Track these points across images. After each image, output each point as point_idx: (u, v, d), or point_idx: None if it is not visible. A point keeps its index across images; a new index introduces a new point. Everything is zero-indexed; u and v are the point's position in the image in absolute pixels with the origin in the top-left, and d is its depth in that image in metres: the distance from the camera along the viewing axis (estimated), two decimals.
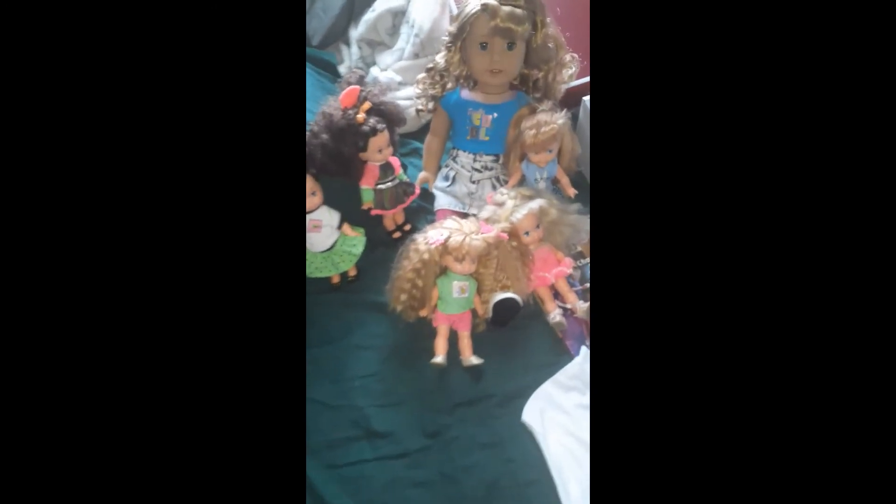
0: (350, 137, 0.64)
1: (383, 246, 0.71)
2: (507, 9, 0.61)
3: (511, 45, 0.63)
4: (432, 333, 0.62)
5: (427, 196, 0.75)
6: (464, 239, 0.59)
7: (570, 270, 0.65)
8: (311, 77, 0.83)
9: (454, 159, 0.72)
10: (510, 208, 0.63)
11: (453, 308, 0.62)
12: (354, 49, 0.88)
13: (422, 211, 0.76)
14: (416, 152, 0.81)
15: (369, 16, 0.86)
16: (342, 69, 0.87)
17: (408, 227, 0.73)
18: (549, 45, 0.66)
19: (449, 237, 0.59)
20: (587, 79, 0.72)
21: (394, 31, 0.87)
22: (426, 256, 0.59)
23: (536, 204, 0.62)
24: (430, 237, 0.60)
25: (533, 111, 0.65)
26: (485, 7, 0.61)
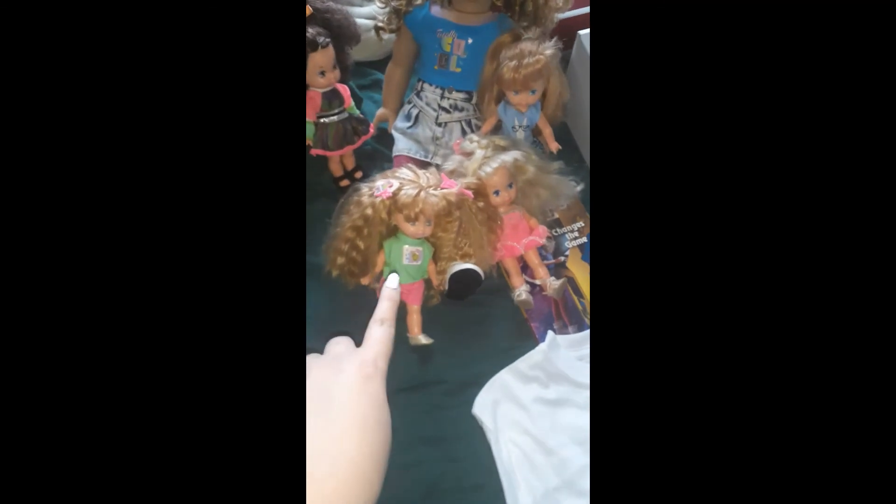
0: None
1: (326, 196, 0.59)
2: None
3: None
4: (376, 303, 0.52)
5: (386, 138, 0.62)
6: (418, 193, 0.47)
7: (543, 241, 0.55)
8: None
9: (418, 94, 0.58)
10: (479, 159, 0.51)
11: (403, 277, 0.51)
12: None
13: (377, 156, 0.63)
14: (377, 84, 0.67)
15: None
16: None
17: (359, 175, 0.60)
18: None
19: (400, 189, 0.47)
20: (584, 9, 0.59)
21: None
22: (369, 212, 0.47)
23: (511, 157, 0.51)
24: (376, 187, 0.48)
25: (516, 38, 0.52)
26: None
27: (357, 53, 0.64)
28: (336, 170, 0.60)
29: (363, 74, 0.69)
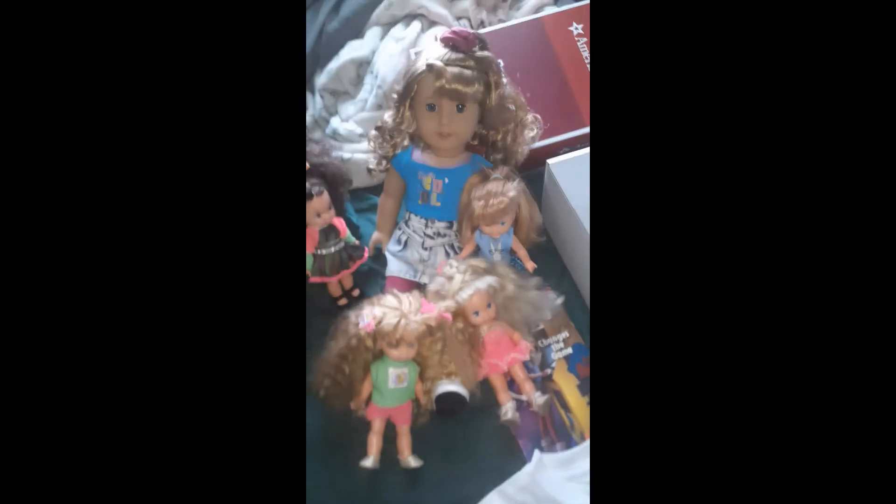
0: None
1: (325, 315, 0.64)
2: (454, 69, 0.56)
3: (461, 108, 0.58)
4: (365, 425, 0.54)
5: (381, 258, 0.69)
6: (399, 321, 0.51)
7: (526, 356, 0.57)
8: None
9: (406, 223, 0.65)
10: (458, 284, 0.56)
11: (389, 400, 0.54)
12: (318, 98, 0.84)
13: (373, 274, 0.69)
14: (373, 208, 0.75)
15: (333, 65, 0.82)
16: (307, 119, 0.83)
17: (356, 293, 0.66)
18: (508, 105, 0.60)
19: (381, 319, 0.52)
20: (553, 139, 0.66)
21: (357, 81, 0.83)
22: (354, 342, 0.52)
23: (485, 283, 0.55)
24: (362, 317, 0.53)
25: (485, 178, 0.59)
26: (430, 67, 0.56)
27: (356, 181, 0.73)
28: (335, 291, 0.66)
29: (361, 199, 0.77)
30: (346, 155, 0.73)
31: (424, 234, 0.64)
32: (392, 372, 0.53)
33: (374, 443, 0.53)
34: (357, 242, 0.65)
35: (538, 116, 0.63)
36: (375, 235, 0.68)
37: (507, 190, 0.56)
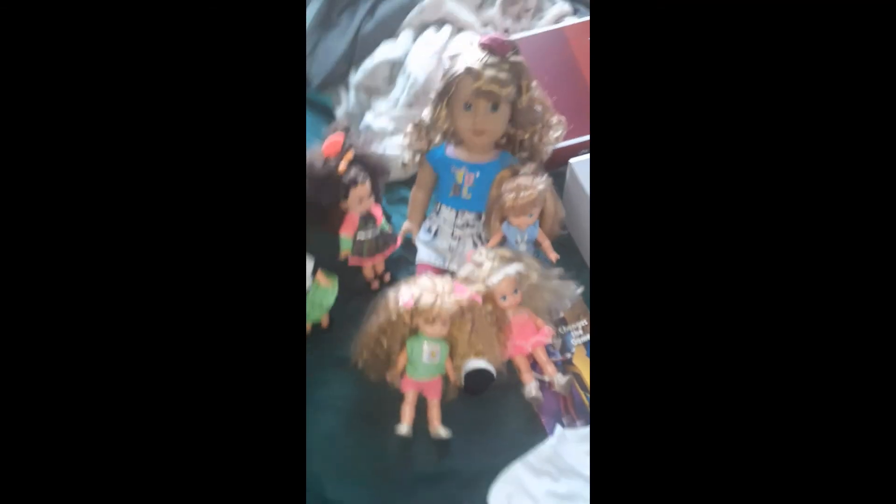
0: (330, 187, 0.63)
1: (360, 296, 0.68)
2: (490, 72, 0.60)
3: (495, 107, 0.62)
4: (399, 397, 0.59)
5: (411, 247, 0.73)
6: (435, 300, 0.56)
7: (548, 340, 0.62)
8: (306, 120, 0.83)
9: (437, 213, 0.70)
10: (488, 270, 0.60)
11: (423, 373, 0.58)
12: (352, 94, 0.89)
13: (403, 262, 0.74)
14: (405, 200, 0.79)
15: (368, 63, 0.87)
16: (338, 112, 0.88)
17: (387, 278, 0.70)
18: (536, 107, 0.65)
19: (420, 297, 0.56)
20: (575, 140, 0.71)
21: (391, 80, 0.87)
22: (394, 317, 0.56)
23: (514, 269, 0.59)
24: (400, 295, 0.57)
25: (515, 173, 0.64)
26: (469, 70, 0.61)
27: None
28: (368, 274, 0.70)
29: (392, 191, 0.82)
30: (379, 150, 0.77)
31: (454, 224, 0.68)
32: (426, 347, 0.57)
33: (408, 412, 0.57)
34: (391, 230, 0.70)
35: (563, 118, 0.68)
36: (406, 225, 0.72)
37: (536, 184, 0.61)
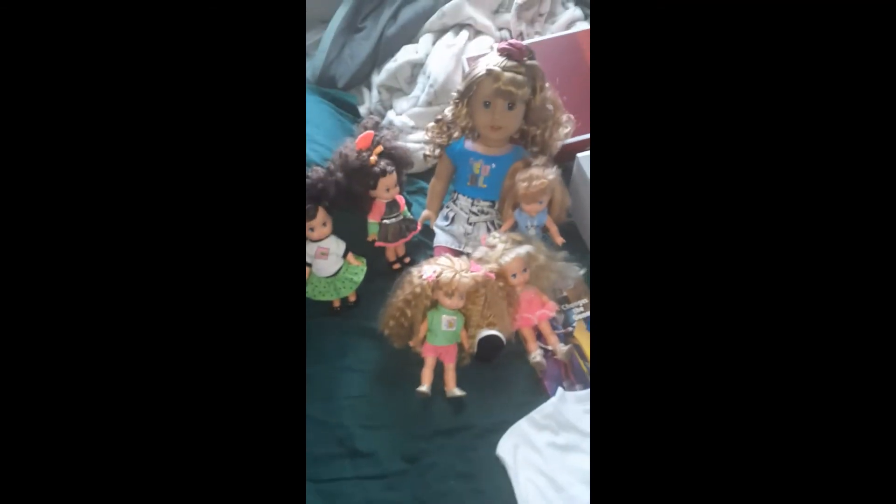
0: (362, 177, 0.71)
1: (383, 276, 0.76)
2: (508, 74, 0.68)
3: (511, 106, 0.70)
4: (420, 362, 0.67)
5: (428, 232, 0.81)
6: (454, 276, 0.64)
7: (553, 314, 0.69)
8: (334, 117, 0.91)
9: (454, 202, 0.78)
10: (500, 251, 0.68)
11: (441, 340, 0.66)
12: (375, 93, 0.97)
13: (422, 245, 0.82)
14: (422, 191, 0.87)
15: (391, 65, 0.95)
16: (363, 110, 0.96)
17: (407, 260, 0.78)
18: (548, 106, 0.72)
19: (441, 273, 0.64)
20: (582, 137, 0.78)
21: (412, 80, 0.95)
22: (418, 290, 0.64)
23: (524, 249, 0.67)
24: (423, 271, 0.65)
25: (527, 165, 0.71)
26: (489, 72, 0.68)
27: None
28: (391, 256, 0.78)
29: (411, 183, 0.90)
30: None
31: (470, 211, 0.76)
32: (444, 318, 0.65)
33: (427, 375, 0.65)
34: (411, 217, 0.78)
35: (572, 117, 0.75)
36: (425, 213, 0.80)
37: (547, 174, 0.69)
